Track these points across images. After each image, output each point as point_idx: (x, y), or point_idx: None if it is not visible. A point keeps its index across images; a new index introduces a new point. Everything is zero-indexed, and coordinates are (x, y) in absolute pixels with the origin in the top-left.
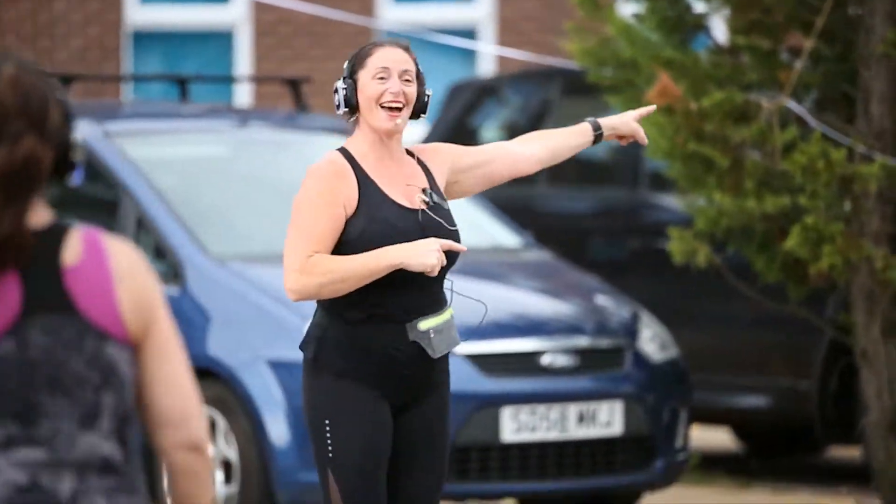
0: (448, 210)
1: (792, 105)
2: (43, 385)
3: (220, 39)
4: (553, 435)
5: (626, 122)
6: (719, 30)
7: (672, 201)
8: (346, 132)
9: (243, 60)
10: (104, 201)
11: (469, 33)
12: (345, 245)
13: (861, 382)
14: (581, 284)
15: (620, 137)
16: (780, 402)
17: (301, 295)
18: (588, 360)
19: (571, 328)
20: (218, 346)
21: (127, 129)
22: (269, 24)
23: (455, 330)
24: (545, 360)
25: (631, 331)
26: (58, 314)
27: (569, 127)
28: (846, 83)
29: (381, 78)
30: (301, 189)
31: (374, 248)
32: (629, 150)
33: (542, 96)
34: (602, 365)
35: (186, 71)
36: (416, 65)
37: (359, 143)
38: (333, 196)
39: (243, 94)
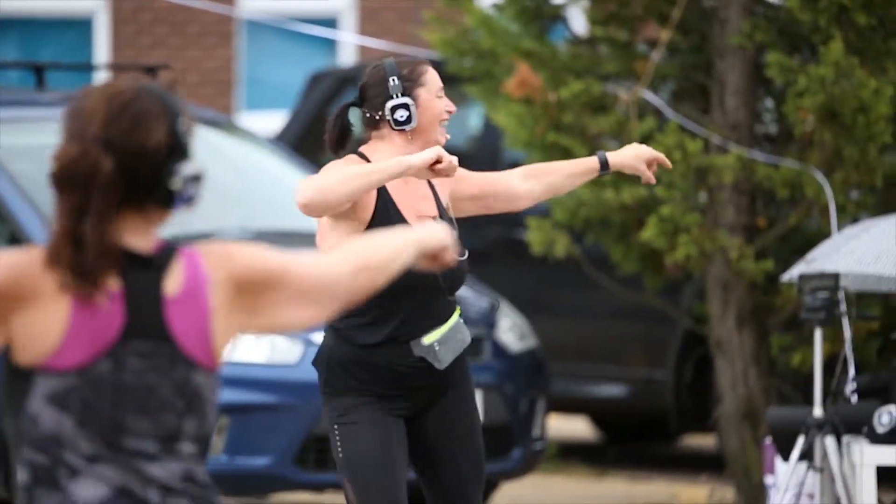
0: (456, 237)
1: (649, 96)
2: (132, 407)
3: (79, 27)
4: None
5: (632, 163)
6: (577, 21)
7: None
8: (207, 122)
9: (102, 48)
10: None
11: (330, 22)
12: None
13: (715, 372)
14: None
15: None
16: (637, 392)
17: (308, 187)
18: None
19: None
20: None
21: None
22: (127, 11)
23: (461, 331)
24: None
25: (490, 321)
26: (153, 340)
27: (574, 161)
28: (702, 74)
29: (440, 97)
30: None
31: None
32: (488, 140)
33: None
34: None
35: (44, 58)
36: None
37: (383, 156)
38: None
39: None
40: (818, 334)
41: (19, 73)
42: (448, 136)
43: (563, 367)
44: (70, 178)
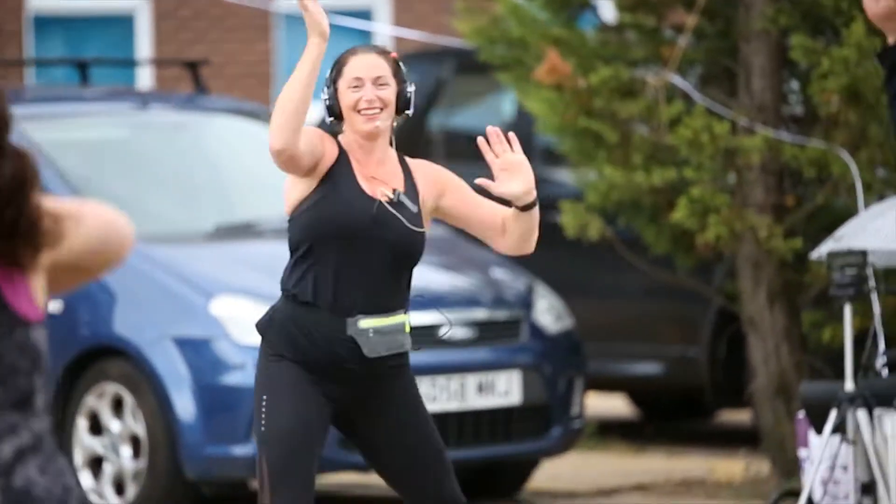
0: (416, 214)
1: (676, 80)
2: None
3: (121, 23)
4: (453, 405)
5: (517, 192)
6: (605, 8)
7: (564, 176)
8: (246, 113)
9: (144, 44)
10: None
11: (365, 14)
12: (306, 211)
13: (748, 348)
14: (477, 258)
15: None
16: (672, 369)
17: (272, 132)
18: (486, 332)
19: (469, 301)
20: (124, 325)
21: (29, 112)
22: (168, 7)
23: (403, 337)
24: (444, 332)
25: (527, 302)
26: None
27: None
28: (728, 58)
29: (356, 87)
30: None
31: (325, 219)
32: (521, 127)
33: (436, 75)
34: (499, 336)
35: (88, 55)
36: (396, 63)
37: (348, 141)
38: (321, 140)
39: (144, 78)
40: (848, 310)
41: (64, 70)
42: (377, 125)
43: (600, 346)
44: None
